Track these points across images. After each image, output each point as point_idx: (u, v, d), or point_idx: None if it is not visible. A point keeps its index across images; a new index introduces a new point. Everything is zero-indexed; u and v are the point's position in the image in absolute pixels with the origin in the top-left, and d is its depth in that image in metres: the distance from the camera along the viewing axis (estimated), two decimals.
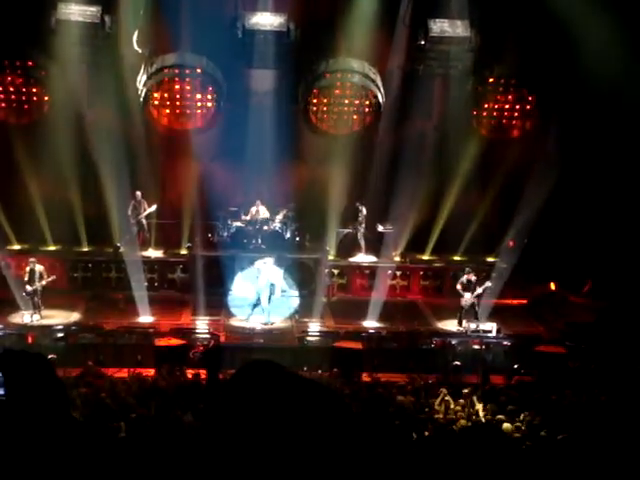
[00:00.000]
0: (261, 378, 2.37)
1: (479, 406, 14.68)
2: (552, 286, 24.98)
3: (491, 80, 25.51)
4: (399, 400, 14.67)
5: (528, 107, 25.69)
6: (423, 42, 24.17)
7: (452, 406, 14.70)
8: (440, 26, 23.82)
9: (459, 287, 21.76)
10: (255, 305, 21.65)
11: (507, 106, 25.81)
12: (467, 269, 22.12)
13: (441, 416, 14.26)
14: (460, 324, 21.68)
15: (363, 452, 2.06)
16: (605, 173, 23.24)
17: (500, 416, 13.44)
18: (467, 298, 21.51)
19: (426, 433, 11.67)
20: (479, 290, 21.58)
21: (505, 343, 20.83)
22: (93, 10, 22.97)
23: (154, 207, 24.34)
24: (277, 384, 2.18)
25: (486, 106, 25.77)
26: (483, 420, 13.72)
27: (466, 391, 15.42)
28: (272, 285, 21.73)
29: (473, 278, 21.75)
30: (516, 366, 19.21)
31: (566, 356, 19.41)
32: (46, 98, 24.70)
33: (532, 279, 24.87)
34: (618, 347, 19.16)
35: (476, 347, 20.60)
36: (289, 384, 2.17)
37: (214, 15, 24.30)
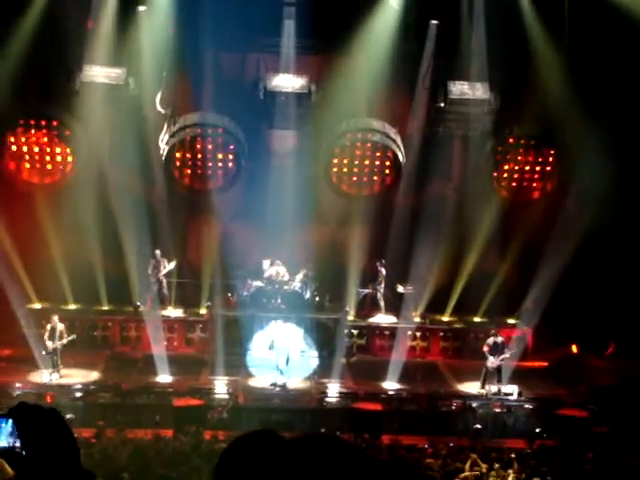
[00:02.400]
0: (259, 451, 2.34)
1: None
2: (574, 348, 24.76)
3: (511, 141, 25.60)
4: (427, 463, 14.47)
5: (548, 168, 25.73)
6: (443, 104, 24.33)
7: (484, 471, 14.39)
8: (460, 88, 24.00)
9: (485, 349, 21.49)
10: (275, 365, 21.53)
11: (527, 167, 25.83)
12: (493, 331, 21.93)
13: None
14: (482, 386, 21.43)
15: None
16: (626, 233, 23.19)
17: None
18: (493, 361, 21.24)
19: None
20: (506, 354, 21.33)
21: (526, 406, 20.61)
22: (118, 72, 23.29)
23: (173, 264, 24.39)
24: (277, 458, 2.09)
25: (506, 167, 25.85)
26: None
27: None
28: (288, 350, 21.56)
29: (499, 340, 21.54)
30: (538, 430, 18.99)
31: (589, 420, 19.17)
32: (70, 158, 24.97)
33: (553, 341, 24.69)
34: None
35: (497, 410, 20.39)
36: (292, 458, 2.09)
37: (236, 76, 24.72)
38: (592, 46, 22.59)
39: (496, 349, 21.35)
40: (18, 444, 2.62)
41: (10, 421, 2.67)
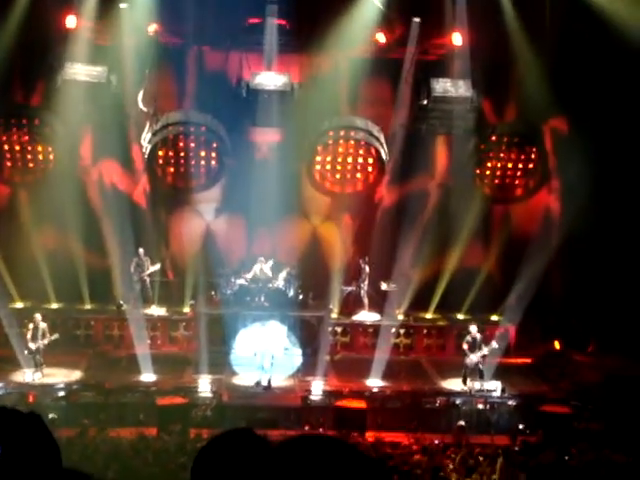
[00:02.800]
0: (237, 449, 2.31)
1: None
2: (557, 345, 24.83)
3: (493, 139, 25.66)
4: (415, 460, 14.46)
5: (531, 166, 25.79)
6: (426, 102, 24.37)
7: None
8: (442, 86, 24.04)
9: (465, 346, 21.49)
10: (259, 365, 21.44)
11: (510, 165, 25.90)
12: (472, 327, 21.94)
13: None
14: (465, 383, 21.45)
15: None
16: (609, 229, 23.27)
17: None
18: (472, 357, 21.29)
19: None
20: (485, 350, 21.35)
21: (510, 403, 20.66)
22: (99, 70, 23.19)
23: (157, 266, 24.32)
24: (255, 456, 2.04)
25: (489, 165, 25.90)
26: None
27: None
28: (271, 350, 21.47)
29: (478, 336, 21.55)
30: (521, 426, 19.06)
31: (572, 416, 19.25)
32: (51, 157, 24.85)
33: (537, 338, 24.77)
34: (626, 407, 18.98)
35: (481, 407, 20.43)
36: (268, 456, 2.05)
37: (219, 74, 24.65)
38: (573, 43, 22.68)
39: (475, 346, 21.39)
40: None
41: None
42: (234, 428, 2.74)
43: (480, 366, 21.26)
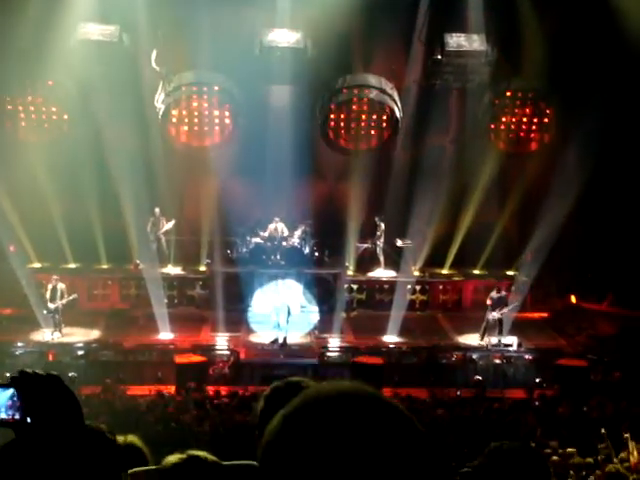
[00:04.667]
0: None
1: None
2: (573, 299, 24.85)
3: (508, 93, 25.49)
4: (439, 413, 14.48)
5: (546, 120, 25.63)
6: (439, 56, 24.19)
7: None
8: (456, 40, 23.83)
9: (488, 302, 21.53)
10: (275, 323, 21.53)
11: (525, 119, 25.77)
12: (497, 286, 22.01)
13: None
14: (482, 338, 21.54)
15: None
16: (624, 184, 23.15)
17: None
18: (494, 313, 21.30)
19: None
20: (507, 307, 21.41)
21: (526, 357, 20.73)
22: (112, 29, 23.11)
23: (172, 222, 24.37)
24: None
25: (503, 119, 25.74)
26: None
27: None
28: (288, 306, 21.55)
29: (503, 294, 21.60)
30: (538, 380, 19.14)
31: (588, 369, 19.31)
32: (66, 117, 24.86)
33: (553, 292, 24.78)
34: None
35: (497, 361, 20.51)
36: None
37: (232, 32, 24.45)
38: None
39: (498, 303, 21.42)
40: (17, 416, 2.58)
41: (9, 391, 2.62)
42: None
43: (501, 323, 21.31)
